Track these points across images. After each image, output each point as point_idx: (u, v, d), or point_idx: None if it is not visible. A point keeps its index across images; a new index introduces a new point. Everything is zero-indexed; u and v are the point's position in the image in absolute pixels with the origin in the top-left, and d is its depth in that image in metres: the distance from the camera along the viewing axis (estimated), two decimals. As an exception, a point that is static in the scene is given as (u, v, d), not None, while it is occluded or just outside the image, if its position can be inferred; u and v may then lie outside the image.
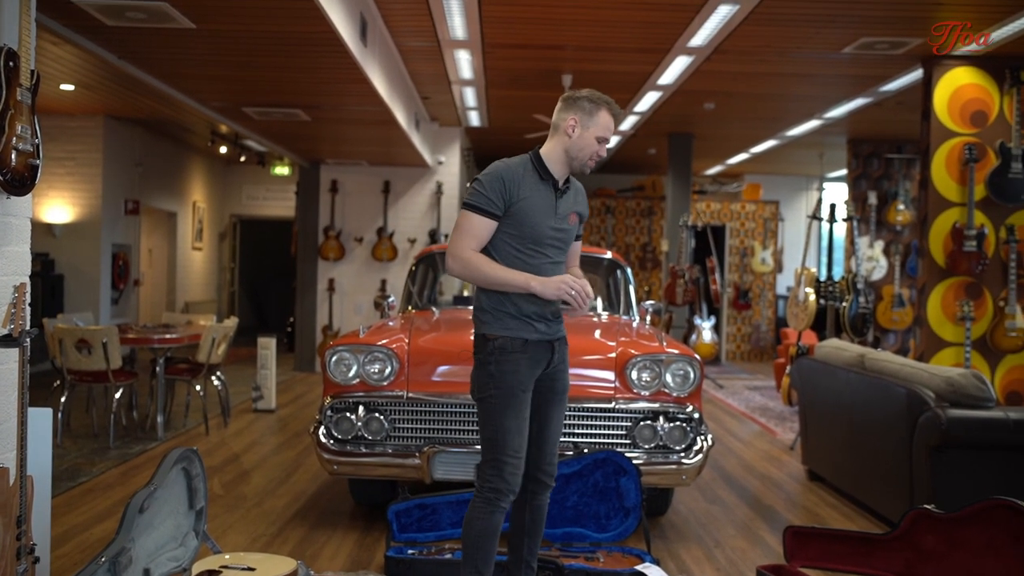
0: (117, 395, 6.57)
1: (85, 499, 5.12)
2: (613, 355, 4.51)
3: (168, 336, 6.87)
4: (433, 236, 11.16)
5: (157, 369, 6.91)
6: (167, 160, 12.47)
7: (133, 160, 11.32)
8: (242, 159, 13.17)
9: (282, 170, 13.76)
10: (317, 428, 4.49)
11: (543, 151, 3.22)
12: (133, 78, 6.68)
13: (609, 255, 6.19)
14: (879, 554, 3.56)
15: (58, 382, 6.64)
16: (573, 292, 3.04)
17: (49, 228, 10.39)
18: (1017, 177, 6.73)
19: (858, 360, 5.28)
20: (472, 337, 3.25)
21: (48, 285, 10.13)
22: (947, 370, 4.57)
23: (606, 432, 4.42)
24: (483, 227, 3.09)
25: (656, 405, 4.43)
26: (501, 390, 3.07)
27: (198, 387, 7.12)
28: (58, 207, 10.48)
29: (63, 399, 6.52)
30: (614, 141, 12.00)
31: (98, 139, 10.51)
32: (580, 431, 4.41)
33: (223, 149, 12.41)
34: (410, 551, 4.03)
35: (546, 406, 3.24)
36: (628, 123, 10.51)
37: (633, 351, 4.50)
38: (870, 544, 3.62)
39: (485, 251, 3.12)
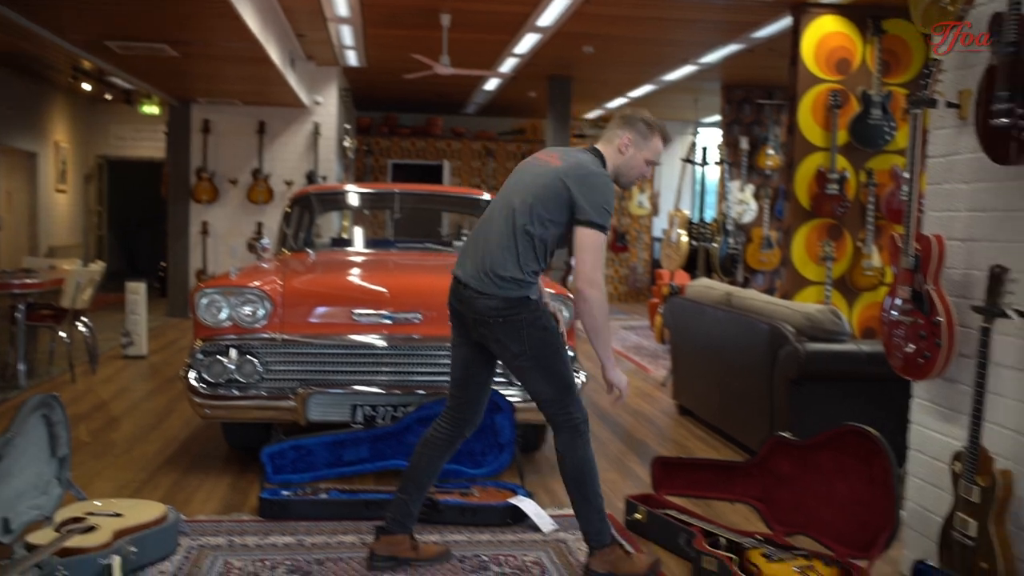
0: (-26, 343, 6.27)
1: (-60, 451, 4.88)
2: (489, 295, 4.54)
3: (29, 281, 6.57)
4: (311, 178, 10.94)
5: (17, 315, 6.60)
6: (25, 97, 11.77)
7: (-13, 96, 10.65)
8: (108, 97, 12.55)
9: (151, 109, 13.18)
10: (188, 372, 4.38)
11: (606, 159, 3.31)
12: (-17, 7, 6.27)
13: (486, 196, 6.20)
14: (739, 480, 3.75)
15: (-92, 330, 6.28)
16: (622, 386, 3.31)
17: None
18: (877, 123, 7.03)
19: (725, 298, 5.48)
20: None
21: None
22: (807, 306, 4.79)
23: (482, 371, 4.45)
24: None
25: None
26: (553, 338, 3.21)
27: (62, 334, 6.85)
28: (-97, 145, 9.80)
29: (-87, 348, 6.18)
30: (494, 83, 11.95)
31: (-54, 73, 9.85)
32: (456, 370, 4.43)
33: (87, 86, 11.78)
34: (285, 492, 4.01)
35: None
36: (508, 65, 10.47)
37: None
38: (731, 471, 3.80)
39: (537, 242, 3.17)
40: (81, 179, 14.11)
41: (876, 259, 7.09)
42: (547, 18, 8.09)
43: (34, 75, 11.64)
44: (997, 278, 2.80)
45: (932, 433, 3.34)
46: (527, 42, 9.18)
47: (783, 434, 3.62)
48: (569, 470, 3.26)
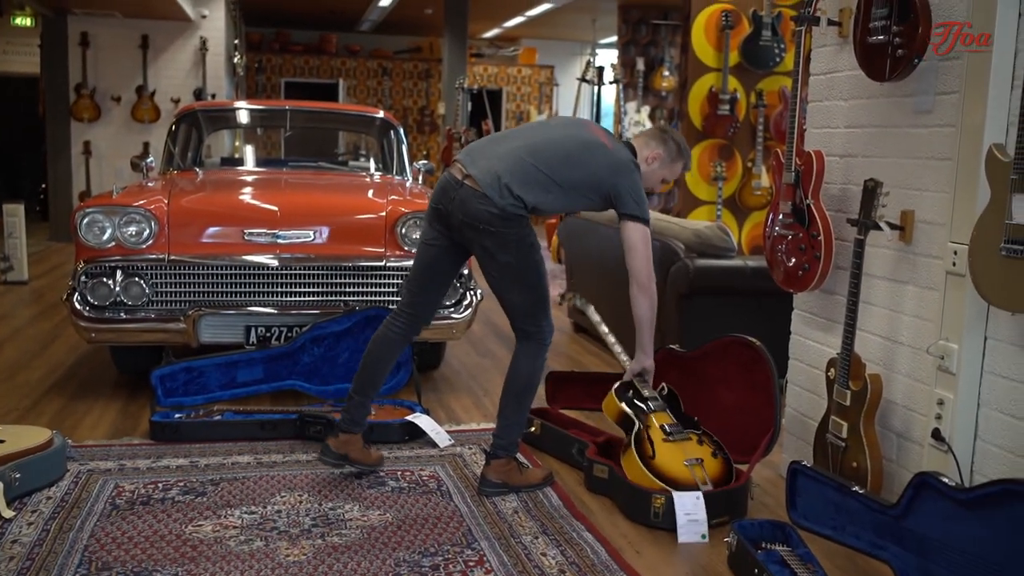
0: None
1: None
2: (384, 213, 4.51)
3: None
4: (199, 95, 10.54)
5: None
6: None
7: None
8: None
9: (23, 20, 12.40)
10: (71, 295, 4.24)
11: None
12: None
13: (381, 114, 6.10)
14: (629, 391, 3.85)
15: None
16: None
17: None
18: (767, 44, 7.14)
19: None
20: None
21: None
22: (696, 224, 4.90)
23: (377, 290, 4.45)
24: None
25: (426, 262, 4.48)
26: (536, 253, 3.28)
27: (-65, 258, 6.52)
28: None
29: None
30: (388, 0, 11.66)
31: None
32: (351, 289, 4.42)
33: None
34: (177, 415, 3.96)
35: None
36: (403, -20, 10.22)
37: (403, 209, 4.52)
38: (621, 383, 3.90)
39: (564, 186, 3.23)
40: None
41: (765, 179, 7.27)
42: (442, -69, 7.89)
43: None
44: (871, 192, 2.91)
45: (810, 343, 3.50)
46: (422, -44, 8.96)
47: (671, 346, 3.73)
48: (520, 378, 3.40)
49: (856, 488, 2.69)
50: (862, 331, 3.11)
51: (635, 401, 3.47)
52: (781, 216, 3.41)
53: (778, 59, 7.20)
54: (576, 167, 3.24)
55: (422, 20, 13.23)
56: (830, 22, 3.34)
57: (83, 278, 4.22)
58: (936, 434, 2.74)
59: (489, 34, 14.89)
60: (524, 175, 3.18)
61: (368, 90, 14.31)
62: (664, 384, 3.58)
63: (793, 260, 3.37)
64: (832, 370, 3.08)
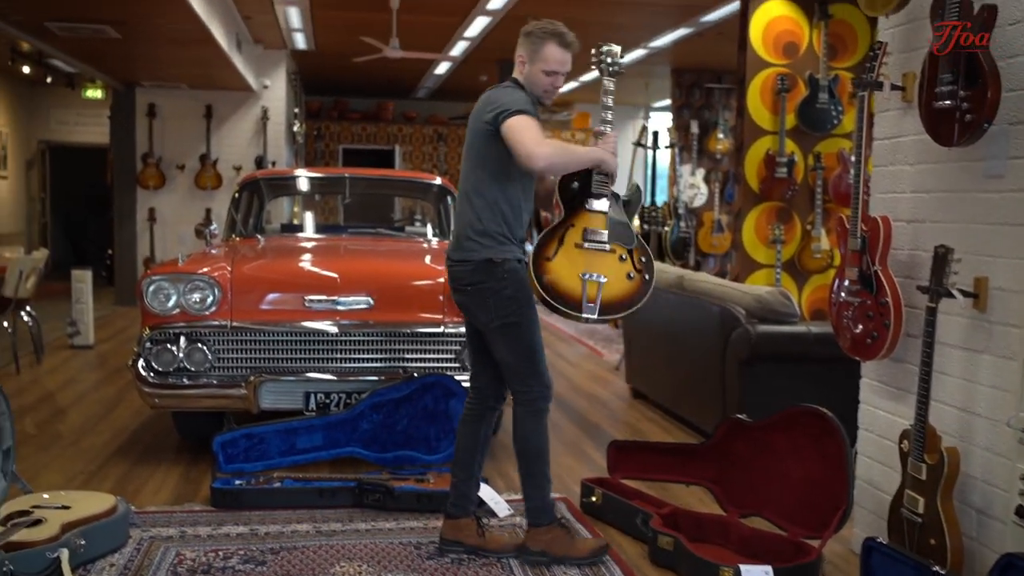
0: (-88, 334, 6.10)
1: None
2: (441, 280, 4.52)
3: (-32, 270, 6.39)
4: (260, 163, 10.79)
5: (-43, 306, 6.44)
6: (-39, 80, 11.45)
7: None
8: (49, 81, 12.23)
9: (95, 93, 12.90)
10: (136, 361, 4.31)
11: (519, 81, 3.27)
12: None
13: (439, 181, 6.17)
14: (694, 463, 3.78)
15: None
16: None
17: None
18: (824, 107, 7.11)
19: (677, 281, 5.52)
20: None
21: None
22: (757, 289, 4.84)
23: (435, 356, 4.45)
24: (536, 124, 3.10)
25: (485, 328, 4.48)
26: (525, 307, 3.17)
27: (5, 324, 6.68)
28: None
29: None
30: (445, 67, 11.87)
31: None
32: (409, 356, 4.42)
33: (26, 69, 11.47)
34: (237, 481, 3.97)
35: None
36: (458, 49, 10.41)
37: (462, 276, 4.52)
38: (686, 454, 3.84)
39: (492, 186, 3.17)
40: (22, 165, 13.77)
41: (824, 242, 7.18)
42: (497, 1, 8.04)
43: (-29, 58, 11.31)
44: (942, 258, 2.84)
45: (881, 412, 3.40)
46: (477, 25, 9.13)
47: (738, 416, 3.66)
48: (518, 442, 3.31)
49: (936, 567, 2.59)
50: (936, 402, 3.01)
51: (575, 195, 3.23)
52: (847, 282, 3.34)
53: (836, 121, 7.15)
54: (469, 147, 3.29)
55: (477, 86, 13.41)
56: (893, 87, 3.30)
57: (148, 344, 4.29)
58: (1020, 511, 2.62)
59: (542, 99, 15.07)
60: (464, 210, 3.25)
61: (424, 156, 14.54)
62: (635, 185, 3.47)
63: (860, 327, 3.29)
64: (906, 442, 2.98)
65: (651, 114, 15.22)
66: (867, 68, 3.29)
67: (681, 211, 7.65)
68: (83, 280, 7.86)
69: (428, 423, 4.33)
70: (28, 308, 6.93)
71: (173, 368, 4.28)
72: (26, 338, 7.18)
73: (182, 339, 4.28)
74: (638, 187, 3.30)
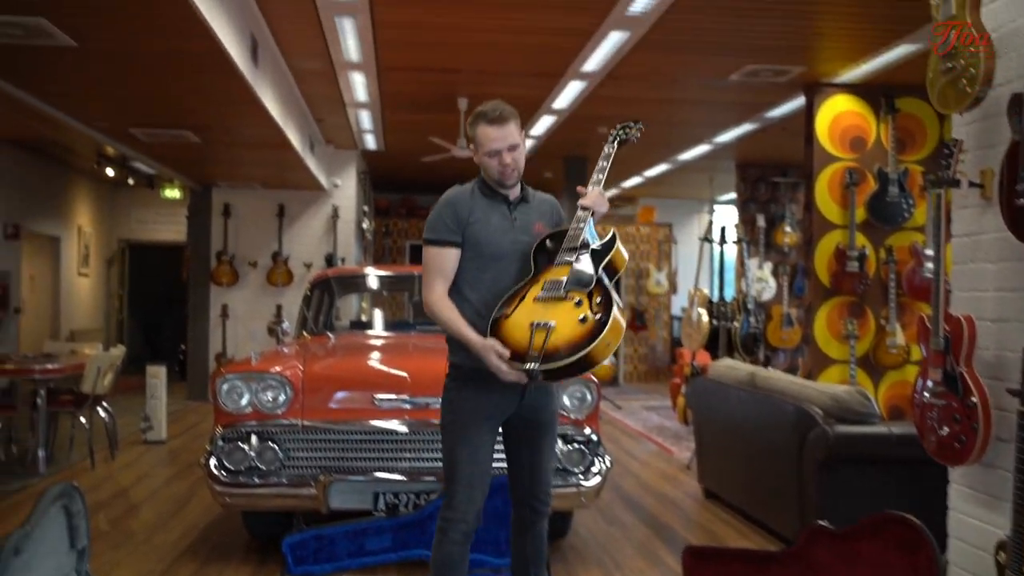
0: (-6, 429, 6.25)
1: (-43, 541, 4.83)
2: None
3: (50, 367, 6.57)
4: (330, 260, 11.01)
5: (38, 401, 6.59)
6: (50, 183, 11.98)
7: (12, 183, 10.83)
8: (130, 182, 12.74)
9: (173, 193, 13.37)
10: (208, 459, 4.34)
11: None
12: (11, 97, 6.40)
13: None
14: (776, 571, 3.63)
15: (-72, 417, 6.27)
16: (500, 366, 2.84)
17: (-80, 254, 9.85)
18: (894, 200, 7.03)
19: (749, 379, 5.41)
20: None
21: (-82, 314, 9.59)
22: (833, 387, 4.72)
23: (505, 457, 4.39)
24: (445, 259, 3.07)
25: (554, 427, 4.43)
26: (455, 417, 3.06)
27: (83, 419, 6.83)
28: (-70, 232, 9.95)
29: (-66, 435, 6.16)
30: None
31: (-26, 161, 10.05)
32: (479, 455, 4.37)
33: (110, 171, 11.98)
34: (306, 584, 3.93)
35: (533, 436, 3.17)
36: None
37: (531, 374, 4.50)
38: (767, 562, 3.69)
39: (455, 285, 3.09)
40: (103, 263, 14.26)
41: (900, 337, 7.01)
42: (562, 101, 8.20)
43: (59, 161, 11.86)
44: (1033, 360, 2.74)
45: (973, 521, 3.25)
46: (543, 124, 9.30)
47: (821, 523, 3.52)
48: (431, 564, 3.11)
49: None
50: (1032, 510, 2.86)
51: (547, 247, 3.09)
52: (931, 383, 3.24)
53: (907, 215, 7.06)
54: None
55: (542, 182, 13.63)
56: (971, 184, 3.25)
57: (220, 442, 4.32)
58: None
59: (608, 194, 15.17)
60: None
61: (489, 250, 14.70)
62: (611, 232, 3.11)
63: (947, 430, 3.17)
64: (1002, 553, 2.84)
65: (715, 207, 15.21)
66: (943, 165, 3.25)
67: (750, 306, 7.56)
68: (158, 376, 8.02)
69: (497, 525, 4.25)
70: (105, 404, 7.07)
71: (244, 467, 4.30)
72: (102, 433, 7.31)
73: (253, 437, 4.31)
74: (613, 234, 3.07)
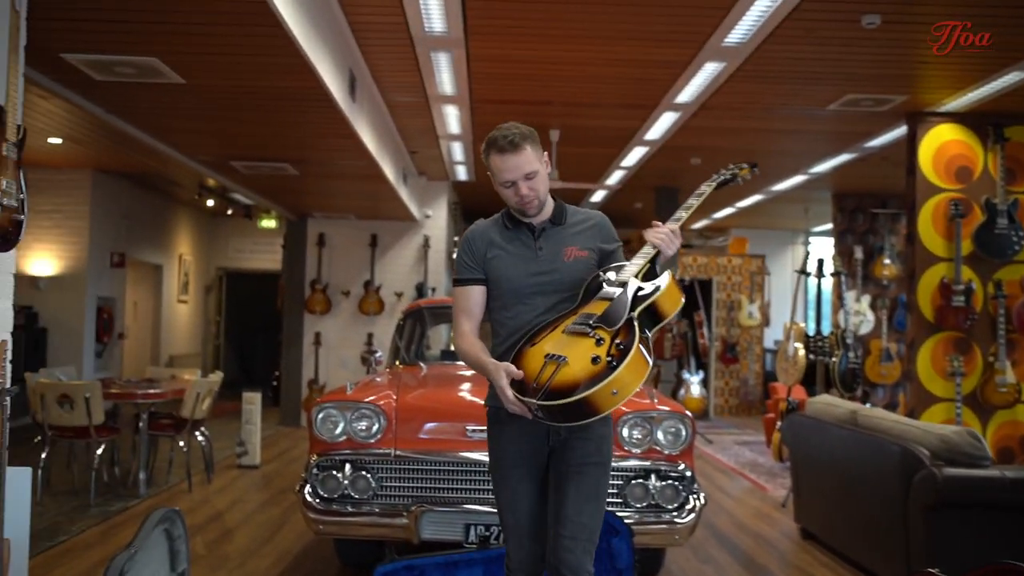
0: (99, 451, 6.45)
1: (64, 559, 4.99)
2: (604, 411, 4.45)
3: (152, 391, 6.77)
4: (420, 290, 11.12)
5: (140, 425, 6.79)
6: (154, 213, 12.44)
7: (120, 213, 11.28)
8: (229, 212, 13.15)
9: (269, 223, 13.75)
10: (303, 487, 4.39)
11: None
12: (121, 132, 6.67)
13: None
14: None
15: (39, 438, 6.51)
16: (506, 391, 2.62)
17: (33, 281, 10.30)
18: (1003, 232, 6.77)
19: (850, 416, 5.24)
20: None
21: (32, 338, 10.01)
22: (941, 428, 4.53)
23: (597, 491, 4.33)
24: (469, 297, 2.94)
25: (647, 463, 4.36)
26: (491, 462, 2.95)
27: (181, 443, 7.00)
28: (43, 260, 10.40)
29: (43, 455, 6.39)
30: (601, 195, 12.04)
31: (85, 192, 10.49)
32: (571, 490, 4.32)
33: (210, 202, 12.40)
34: (397, 615, 3.92)
35: (559, 483, 2.85)
36: (615, 178, 10.56)
37: (624, 408, 4.43)
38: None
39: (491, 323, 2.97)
40: (202, 290, 14.71)
41: (1010, 375, 6.72)
42: (655, 132, 8.16)
43: (162, 192, 12.32)
44: None
45: (1097, 573, 3.05)
46: (634, 155, 9.26)
47: (931, 571, 3.36)
48: None
49: None
50: None
51: (599, 279, 2.83)
52: (1051, 427, 3.07)
53: (1017, 247, 6.80)
54: None
55: (632, 213, 13.57)
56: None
57: (315, 470, 4.37)
58: None
59: (698, 225, 15.02)
60: None
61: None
62: (668, 273, 2.77)
63: (1069, 477, 3.00)
64: None
65: (811, 239, 14.92)
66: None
67: (849, 340, 7.34)
68: (253, 402, 8.18)
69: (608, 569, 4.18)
70: (202, 428, 7.25)
71: (338, 495, 4.33)
72: (199, 457, 7.49)
73: (347, 466, 4.34)
74: (668, 276, 2.74)
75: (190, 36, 4.54)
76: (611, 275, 2.79)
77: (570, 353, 2.59)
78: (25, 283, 10.24)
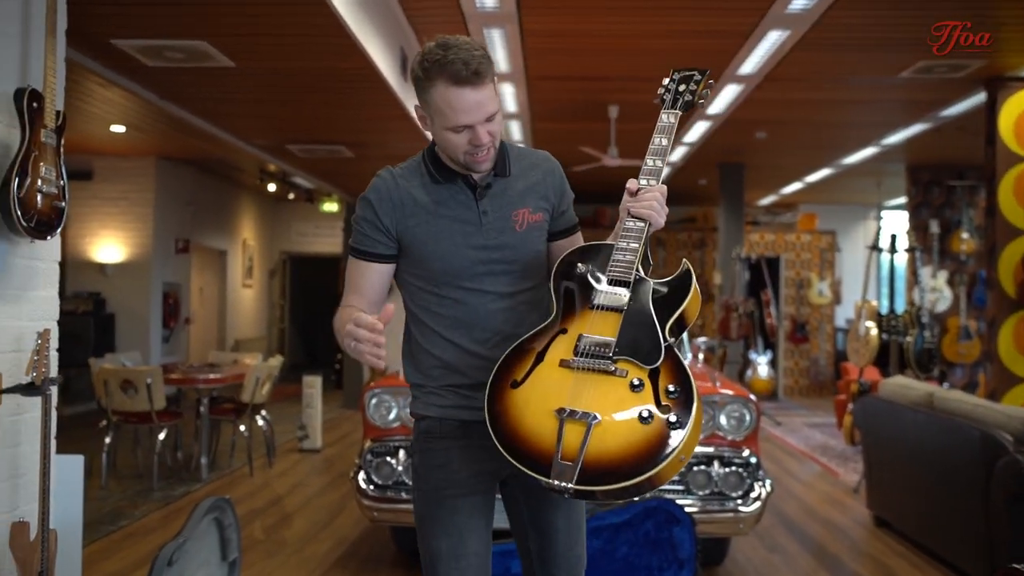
0: (161, 436, 6.50)
1: (125, 544, 5.02)
2: (664, 396, 4.29)
3: (212, 376, 6.80)
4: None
5: (201, 409, 6.83)
6: (217, 199, 12.56)
7: (184, 199, 11.40)
8: (291, 196, 13.22)
9: (331, 207, 13.78)
10: (357, 473, 4.33)
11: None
12: (178, 118, 6.69)
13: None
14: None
15: (104, 422, 6.59)
16: (360, 345, 1.83)
17: (101, 267, 10.48)
18: (1091, 203, 6.40)
19: (926, 399, 4.99)
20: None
21: (100, 324, 10.19)
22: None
23: (658, 478, 4.18)
24: (365, 275, 2.07)
25: (710, 449, 4.20)
26: (424, 493, 2.06)
27: (242, 427, 7.03)
28: (110, 246, 10.57)
29: (107, 440, 6.46)
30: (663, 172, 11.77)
31: (150, 179, 10.61)
32: (630, 477, 4.17)
33: (272, 187, 12.46)
34: (451, 605, 3.83)
35: (537, 512, 2.12)
36: (677, 154, 10.30)
37: (685, 392, 4.27)
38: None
39: (410, 312, 2.14)
40: (266, 274, 14.85)
41: (1099, 353, 6.36)
42: (717, 106, 7.91)
43: (225, 178, 12.42)
44: None
45: None
46: (697, 130, 9.01)
47: (1016, 567, 3.15)
48: None
49: None
50: None
51: (580, 283, 1.98)
52: None
53: (1107, 219, 6.41)
54: None
55: (697, 190, 13.27)
56: None
57: (369, 456, 4.30)
58: None
59: (765, 201, 14.65)
60: None
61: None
62: (684, 265, 1.99)
63: None
64: None
65: (883, 213, 14.44)
66: None
67: (924, 319, 7.03)
68: (313, 386, 8.19)
69: (650, 551, 4.05)
70: (263, 412, 7.26)
71: (392, 481, 4.26)
72: (260, 441, 7.51)
73: (401, 452, 4.27)
74: (688, 269, 1.97)
75: (236, 17, 4.48)
76: (583, 265, 2.00)
77: (598, 405, 1.76)
78: (93, 270, 10.42)
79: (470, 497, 2.03)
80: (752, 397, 4.32)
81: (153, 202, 10.62)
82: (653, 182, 2.04)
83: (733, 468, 4.18)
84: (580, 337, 1.87)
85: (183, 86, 5.76)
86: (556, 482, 1.70)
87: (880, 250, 7.70)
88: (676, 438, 1.71)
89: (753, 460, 4.20)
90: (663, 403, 1.76)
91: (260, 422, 7.26)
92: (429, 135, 2.06)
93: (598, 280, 1.95)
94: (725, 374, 10.81)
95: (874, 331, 7.16)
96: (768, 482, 4.24)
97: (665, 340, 1.86)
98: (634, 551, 4.05)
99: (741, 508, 4.15)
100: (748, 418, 4.22)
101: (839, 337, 13.53)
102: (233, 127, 7.13)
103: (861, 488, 6.27)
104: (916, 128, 8.68)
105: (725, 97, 7.58)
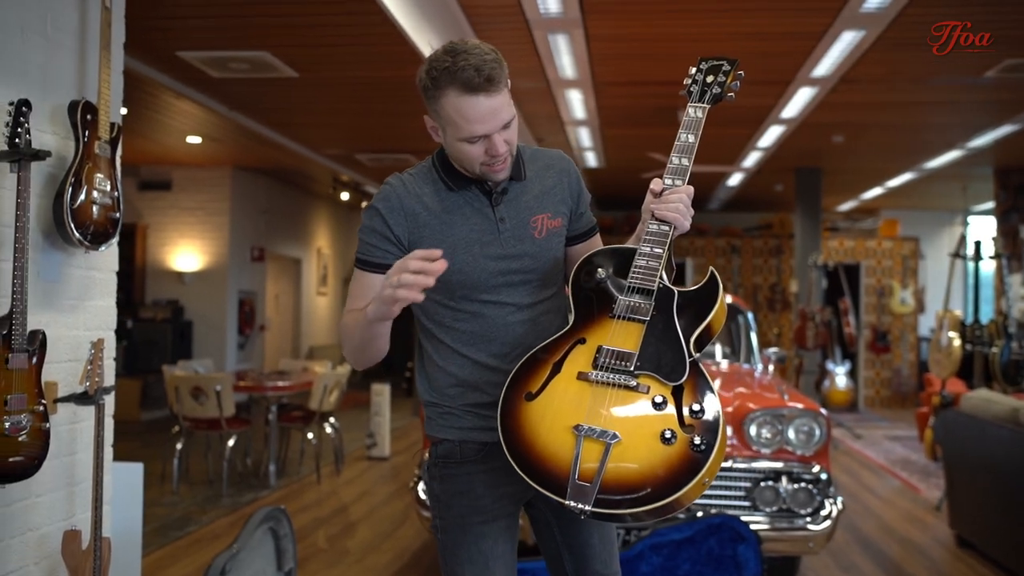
0: (230, 443, 6.57)
1: (191, 550, 5.07)
2: (730, 408, 4.16)
3: (280, 384, 6.86)
4: (551, 279, 10.94)
5: (270, 417, 6.90)
6: (292, 208, 12.75)
7: (259, 208, 11.59)
8: (363, 205, 13.32)
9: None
10: (417, 483, 4.29)
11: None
12: (249, 129, 6.78)
13: (728, 299, 5.82)
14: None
15: (176, 428, 6.70)
16: (400, 286, 1.67)
17: (179, 276, 10.71)
18: None
19: (1011, 414, 4.74)
20: None
21: (177, 331, 10.42)
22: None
23: (722, 493, 4.05)
24: (373, 287, 1.90)
25: (778, 464, 4.04)
26: (446, 521, 1.98)
27: (310, 434, 7.07)
28: (188, 255, 10.80)
29: (179, 446, 6.56)
30: (737, 178, 11.53)
31: (226, 189, 10.82)
32: (693, 493, 4.04)
33: (345, 195, 12.59)
34: (508, 621, 3.75)
35: (570, 531, 2.03)
36: (751, 160, 10.07)
37: (751, 405, 4.13)
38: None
39: (422, 328, 2.06)
40: (340, 282, 15.01)
41: None
42: (791, 109, 7.70)
43: (298, 187, 12.60)
44: None
45: None
46: (771, 135, 8.79)
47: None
48: None
49: None
50: None
51: (597, 289, 1.88)
52: None
53: None
54: None
55: (772, 196, 12.98)
56: None
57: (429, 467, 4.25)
58: None
59: (844, 207, 14.26)
60: None
61: (717, 268, 14.13)
62: (710, 272, 1.88)
63: None
64: None
65: (969, 219, 13.92)
66: None
67: (1011, 329, 6.71)
68: (381, 394, 8.21)
69: (713, 570, 3.91)
70: (332, 420, 7.30)
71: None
72: (329, 448, 7.56)
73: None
74: (713, 274, 1.86)
75: (297, 28, 4.51)
76: (603, 270, 1.90)
77: (618, 423, 1.69)
78: (172, 278, 10.67)
79: (495, 523, 1.95)
80: (823, 411, 4.15)
81: (229, 211, 10.82)
82: (679, 182, 1.94)
83: (802, 484, 4.02)
84: (599, 349, 1.79)
85: (250, 97, 5.83)
86: (572, 503, 1.64)
87: (964, 257, 7.37)
88: (700, 462, 1.64)
89: (824, 476, 4.03)
90: (687, 423, 1.69)
91: (328, 430, 7.30)
92: (441, 146, 1.97)
93: (619, 287, 1.86)
94: (801, 385, 10.53)
95: (957, 342, 6.86)
96: (840, 499, 4.07)
97: (690, 355, 1.76)
98: (696, 569, 3.92)
99: (810, 526, 3.98)
100: (818, 432, 4.06)
101: (923, 347, 13.07)
102: (302, 137, 7.21)
103: (943, 506, 6.01)
104: (1004, 129, 8.33)
105: (799, 100, 7.37)
